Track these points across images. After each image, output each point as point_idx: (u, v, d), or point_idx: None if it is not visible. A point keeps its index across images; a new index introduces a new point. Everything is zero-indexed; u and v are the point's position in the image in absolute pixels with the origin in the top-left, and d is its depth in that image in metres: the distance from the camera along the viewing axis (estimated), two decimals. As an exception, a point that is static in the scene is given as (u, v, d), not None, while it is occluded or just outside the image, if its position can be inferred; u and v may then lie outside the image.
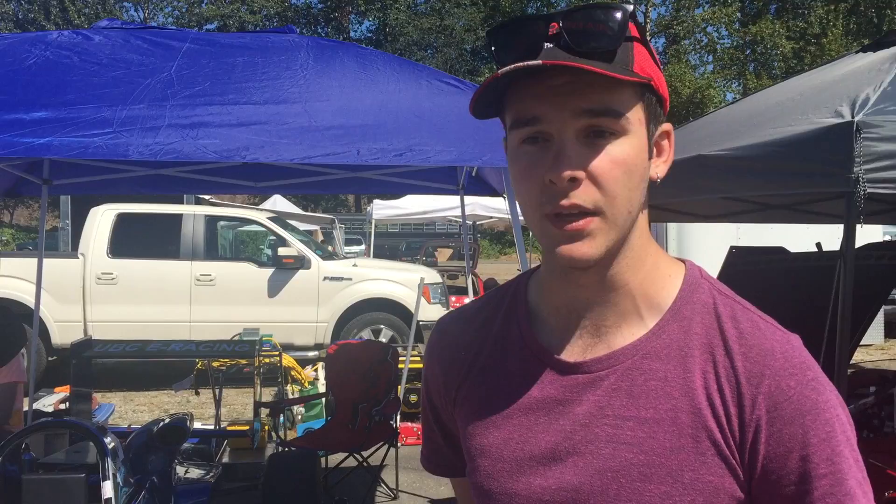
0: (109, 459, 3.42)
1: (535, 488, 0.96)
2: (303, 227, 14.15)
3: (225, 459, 5.55)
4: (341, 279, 9.50)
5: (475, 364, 1.05)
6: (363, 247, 18.89)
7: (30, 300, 5.48)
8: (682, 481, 0.90)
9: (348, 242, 19.52)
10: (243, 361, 6.29)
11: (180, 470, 4.95)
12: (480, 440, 1.01)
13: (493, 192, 5.46)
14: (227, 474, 5.04)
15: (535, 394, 0.98)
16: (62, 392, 6.32)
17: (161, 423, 4.36)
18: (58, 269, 9.15)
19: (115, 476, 3.40)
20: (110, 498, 3.31)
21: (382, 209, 15.48)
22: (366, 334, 9.23)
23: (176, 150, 3.13)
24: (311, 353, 9.29)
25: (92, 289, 9.17)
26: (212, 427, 5.99)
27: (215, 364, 6.40)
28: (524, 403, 0.98)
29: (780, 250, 4.77)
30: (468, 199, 6.37)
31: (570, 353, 0.98)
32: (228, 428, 5.95)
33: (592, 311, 0.97)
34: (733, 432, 0.91)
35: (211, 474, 4.76)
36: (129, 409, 7.64)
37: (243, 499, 4.83)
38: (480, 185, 5.47)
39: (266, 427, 6.11)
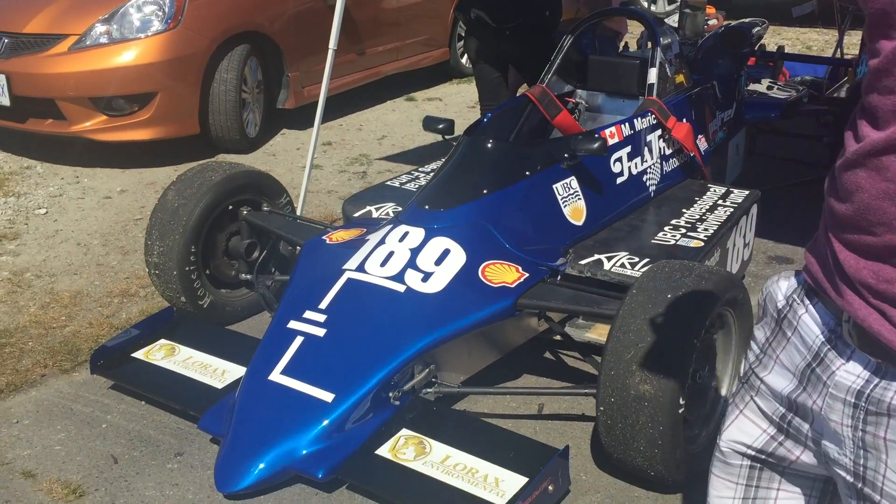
0: (659, 49, 3.64)
1: None
2: None
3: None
4: None
5: None
6: None
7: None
8: None
9: None
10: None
11: (779, 94, 4.91)
12: None
13: None
14: (814, 101, 4.84)
15: None
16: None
17: (725, 26, 4.34)
18: None
19: (661, 65, 3.63)
20: (653, 84, 3.59)
21: None
22: None
23: None
24: None
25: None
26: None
27: (844, -9, 5.83)
28: None
29: None
30: None
31: None
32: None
33: None
34: None
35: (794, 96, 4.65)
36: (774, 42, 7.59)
37: (810, 125, 4.66)
38: None
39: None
